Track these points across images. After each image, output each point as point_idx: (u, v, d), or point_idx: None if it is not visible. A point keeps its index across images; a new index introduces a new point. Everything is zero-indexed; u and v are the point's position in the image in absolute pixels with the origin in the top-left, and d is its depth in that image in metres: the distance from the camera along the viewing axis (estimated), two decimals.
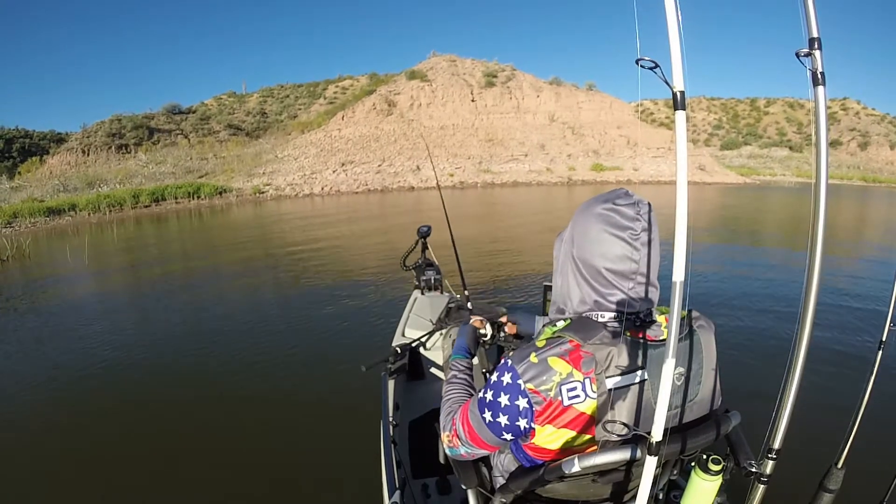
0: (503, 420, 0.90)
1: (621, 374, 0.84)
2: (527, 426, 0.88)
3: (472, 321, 1.40)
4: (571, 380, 0.84)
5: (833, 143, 46.71)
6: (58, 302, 6.32)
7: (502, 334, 1.48)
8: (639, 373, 0.85)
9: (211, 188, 21.72)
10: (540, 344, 0.89)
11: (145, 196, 19.69)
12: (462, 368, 1.19)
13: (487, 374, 1.41)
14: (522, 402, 0.87)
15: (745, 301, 5.61)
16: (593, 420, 0.85)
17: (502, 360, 0.92)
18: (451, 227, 2.44)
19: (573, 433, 0.86)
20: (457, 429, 1.01)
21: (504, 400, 0.89)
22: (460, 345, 1.28)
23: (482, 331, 1.40)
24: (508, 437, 0.92)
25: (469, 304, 2.09)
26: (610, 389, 0.83)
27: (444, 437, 1.06)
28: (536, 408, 0.86)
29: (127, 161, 27.78)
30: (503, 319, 1.48)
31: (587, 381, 0.83)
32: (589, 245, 0.91)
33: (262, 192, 22.58)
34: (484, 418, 0.92)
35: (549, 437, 0.88)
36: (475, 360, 1.29)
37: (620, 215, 0.89)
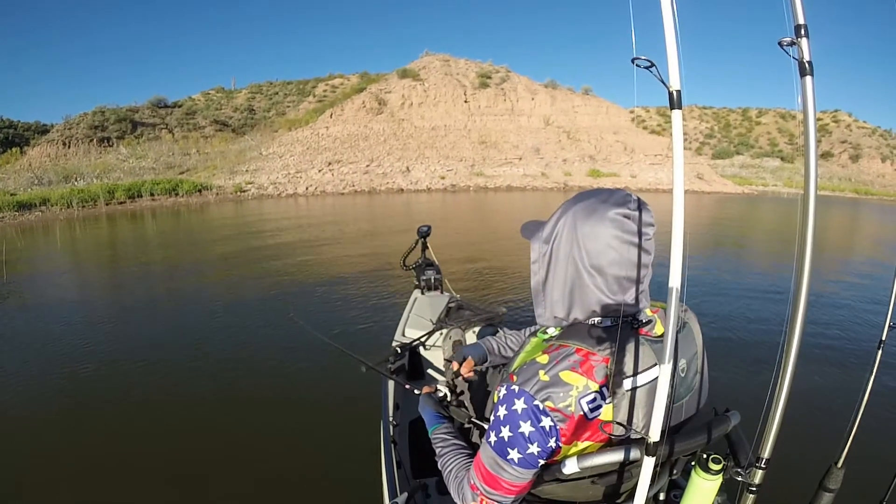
0: (534, 449, 0.82)
1: (631, 377, 0.83)
2: (555, 444, 0.82)
3: (423, 391, 1.30)
4: (588, 392, 0.80)
5: (825, 155, 46.94)
6: None
7: (464, 381, 1.42)
8: (642, 375, 0.83)
9: (190, 185, 20.94)
10: (542, 360, 0.84)
11: (120, 192, 18.92)
12: (444, 434, 1.10)
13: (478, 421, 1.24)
14: (546, 422, 0.80)
15: (746, 302, 5.62)
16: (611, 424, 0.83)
17: (503, 389, 0.86)
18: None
19: (599, 445, 0.84)
20: (483, 493, 0.88)
21: (526, 428, 0.81)
22: (429, 418, 1.19)
23: (440, 393, 1.30)
24: (542, 461, 0.84)
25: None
26: (621, 392, 0.82)
27: None
28: (561, 426, 0.80)
29: (107, 155, 26.89)
30: (454, 366, 1.40)
31: (603, 388, 0.81)
32: (600, 252, 0.86)
33: (244, 191, 21.85)
34: (511, 460, 0.83)
35: (573, 449, 0.84)
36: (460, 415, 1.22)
37: (634, 220, 0.85)
